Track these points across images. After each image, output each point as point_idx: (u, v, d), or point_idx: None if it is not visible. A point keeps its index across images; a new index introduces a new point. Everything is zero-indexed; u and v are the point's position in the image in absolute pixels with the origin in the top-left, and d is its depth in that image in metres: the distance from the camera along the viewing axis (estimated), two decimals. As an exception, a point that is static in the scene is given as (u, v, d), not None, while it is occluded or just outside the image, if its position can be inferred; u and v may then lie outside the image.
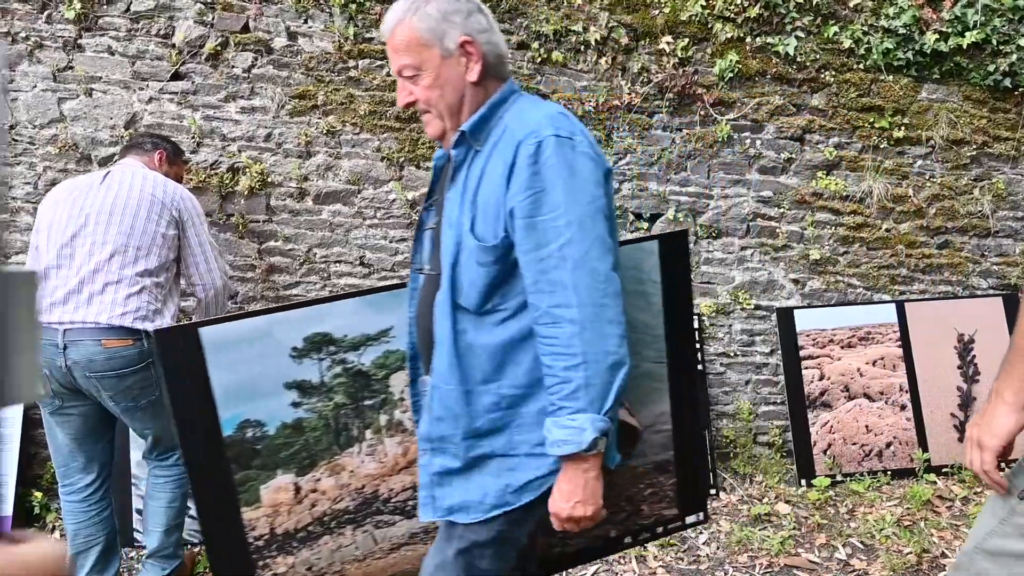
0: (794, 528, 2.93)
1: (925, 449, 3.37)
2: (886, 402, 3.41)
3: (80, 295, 2.05)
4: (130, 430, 2.60)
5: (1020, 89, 3.48)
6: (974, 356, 3.46)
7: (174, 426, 1.71)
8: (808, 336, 3.43)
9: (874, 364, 3.44)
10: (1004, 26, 3.38)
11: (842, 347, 3.44)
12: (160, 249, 2.19)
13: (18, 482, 2.86)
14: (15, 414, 2.90)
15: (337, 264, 3.16)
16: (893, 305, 3.48)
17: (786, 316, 3.43)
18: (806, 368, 3.40)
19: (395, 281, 3.17)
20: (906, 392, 3.42)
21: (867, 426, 3.38)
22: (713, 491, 3.21)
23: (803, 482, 3.29)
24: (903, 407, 3.41)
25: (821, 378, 3.41)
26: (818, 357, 3.42)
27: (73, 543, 2.18)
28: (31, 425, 2.98)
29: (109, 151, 2.96)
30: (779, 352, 3.46)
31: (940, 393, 3.44)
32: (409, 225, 3.18)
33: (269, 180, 3.09)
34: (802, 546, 2.81)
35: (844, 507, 3.12)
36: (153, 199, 2.21)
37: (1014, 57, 3.40)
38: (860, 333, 3.45)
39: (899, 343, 3.45)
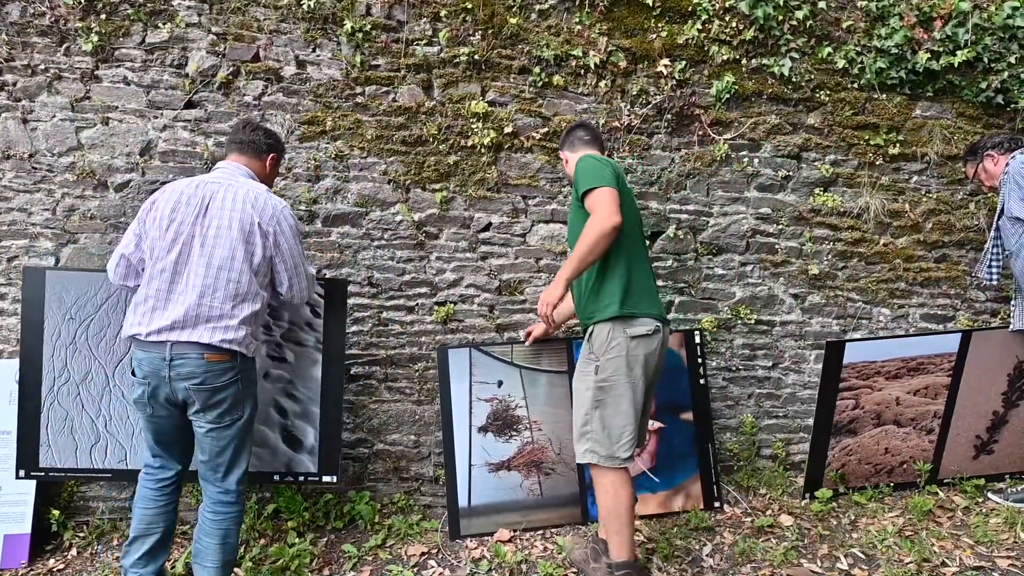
0: (797, 539, 2.97)
1: (937, 463, 3.38)
2: (914, 427, 3.36)
3: (186, 322, 2.24)
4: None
5: (1012, 105, 3.55)
6: (1023, 383, 3.38)
7: None
8: (853, 368, 3.28)
9: (915, 394, 3.34)
10: (994, 44, 3.46)
11: (887, 378, 3.32)
12: (257, 276, 2.34)
13: (36, 501, 2.93)
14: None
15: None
16: (958, 335, 3.31)
17: (835, 350, 3.23)
18: (841, 399, 3.30)
19: (401, 300, 3.24)
20: (938, 418, 3.35)
21: (887, 448, 3.35)
22: (717, 504, 3.25)
23: (807, 495, 3.33)
24: (930, 431, 3.36)
25: (855, 407, 3.32)
26: (858, 388, 3.31)
27: (136, 527, 2.34)
28: (49, 444, 3.06)
29: (125, 177, 3.06)
30: (781, 366, 3.52)
31: (974, 417, 3.38)
32: (415, 245, 3.26)
33: (279, 203, 3.17)
34: (804, 557, 2.85)
35: (847, 518, 3.16)
36: (252, 227, 2.31)
37: (1005, 74, 3.48)
38: (912, 364, 3.33)
39: (949, 373, 3.33)
